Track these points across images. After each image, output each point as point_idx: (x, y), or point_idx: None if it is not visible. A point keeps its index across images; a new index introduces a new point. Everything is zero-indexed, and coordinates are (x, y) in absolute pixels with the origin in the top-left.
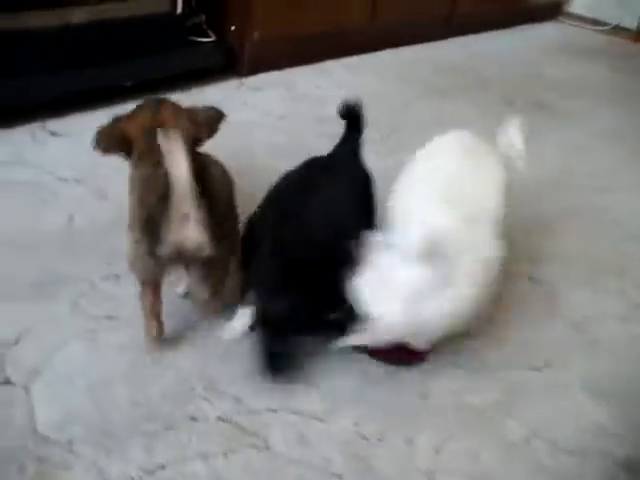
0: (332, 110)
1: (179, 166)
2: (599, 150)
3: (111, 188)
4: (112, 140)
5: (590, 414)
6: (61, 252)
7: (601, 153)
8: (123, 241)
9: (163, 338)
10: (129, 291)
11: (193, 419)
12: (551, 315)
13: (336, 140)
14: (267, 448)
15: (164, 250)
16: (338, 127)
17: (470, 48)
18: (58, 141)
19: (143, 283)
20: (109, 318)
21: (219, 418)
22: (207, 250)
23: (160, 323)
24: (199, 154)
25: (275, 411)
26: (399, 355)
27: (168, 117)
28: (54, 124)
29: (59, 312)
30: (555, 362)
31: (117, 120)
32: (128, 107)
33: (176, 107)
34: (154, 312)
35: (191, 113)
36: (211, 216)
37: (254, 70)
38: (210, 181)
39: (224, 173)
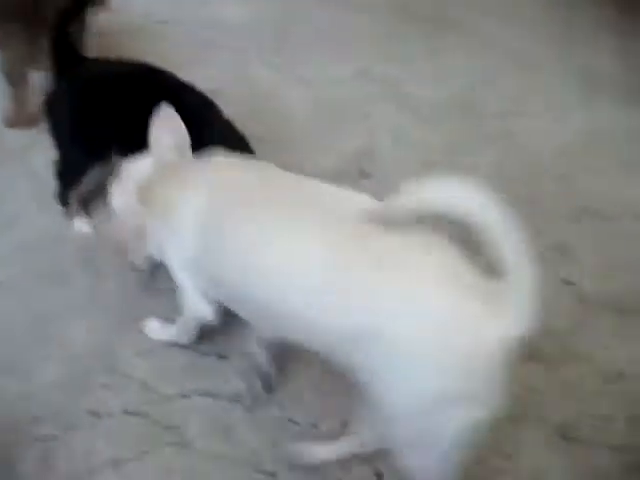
0: (218, 13)
1: None
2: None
3: None
4: None
5: None
6: None
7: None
8: None
9: None
10: None
11: (95, 414)
12: None
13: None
14: (186, 445)
15: None
16: (226, 35)
17: None
18: None
19: None
20: None
21: (125, 411)
22: None
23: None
24: None
25: (189, 396)
26: None
27: None
28: None
29: None
30: None
31: None
32: None
33: None
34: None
35: None
36: None
37: None
38: None
39: None
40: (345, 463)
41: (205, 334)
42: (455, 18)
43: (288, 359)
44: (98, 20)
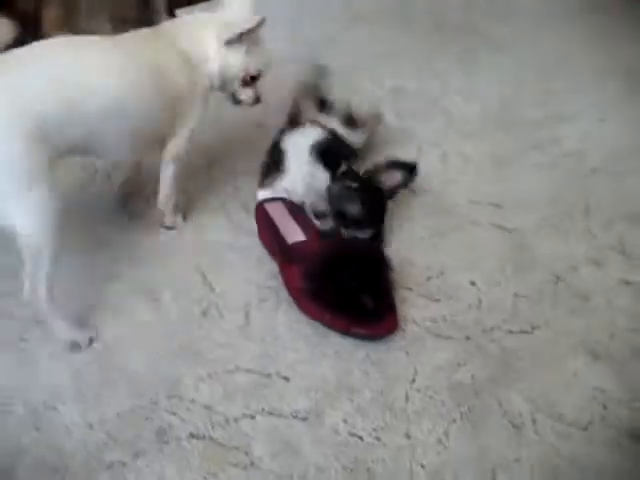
0: None
1: None
2: (538, 80)
3: None
4: None
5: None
6: None
7: (541, 83)
8: None
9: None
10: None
11: (162, 440)
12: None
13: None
14: (252, 464)
15: None
16: None
17: None
18: None
19: None
20: (40, 322)
21: (191, 435)
22: None
23: None
24: None
25: (252, 417)
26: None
27: None
28: None
29: None
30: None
31: None
32: None
33: None
34: None
35: None
36: None
37: None
38: None
39: None
40: None
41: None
42: (486, 31)
43: None
44: None
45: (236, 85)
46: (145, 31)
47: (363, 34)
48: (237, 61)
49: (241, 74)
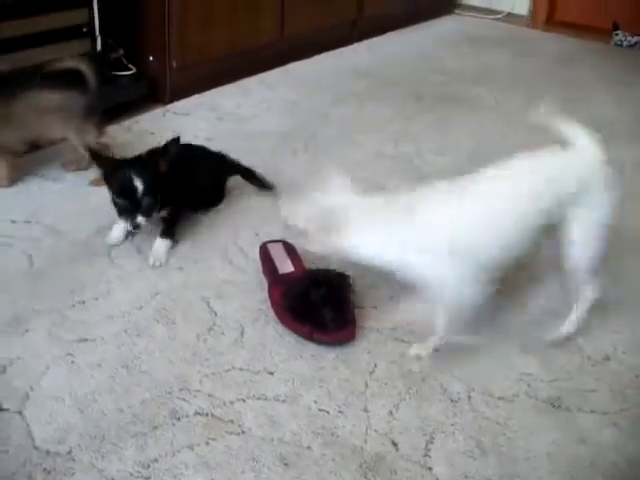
0: (255, 126)
1: None
2: (503, 133)
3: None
4: None
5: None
6: (27, 289)
7: (505, 136)
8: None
9: None
10: (95, 315)
11: (174, 417)
12: None
13: (263, 154)
14: (243, 432)
15: None
16: (263, 142)
17: (377, 50)
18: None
19: None
20: (83, 340)
21: (197, 413)
22: None
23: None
24: None
25: (244, 400)
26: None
27: None
28: None
29: (37, 341)
30: None
31: None
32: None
33: None
34: None
35: None
36: None
37: (177, 96)
38: None
39: None
40: None
41: (253, 357)
42: (461, 94)
43: None
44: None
45: None
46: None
47: (349, 109)
48: None
49: None
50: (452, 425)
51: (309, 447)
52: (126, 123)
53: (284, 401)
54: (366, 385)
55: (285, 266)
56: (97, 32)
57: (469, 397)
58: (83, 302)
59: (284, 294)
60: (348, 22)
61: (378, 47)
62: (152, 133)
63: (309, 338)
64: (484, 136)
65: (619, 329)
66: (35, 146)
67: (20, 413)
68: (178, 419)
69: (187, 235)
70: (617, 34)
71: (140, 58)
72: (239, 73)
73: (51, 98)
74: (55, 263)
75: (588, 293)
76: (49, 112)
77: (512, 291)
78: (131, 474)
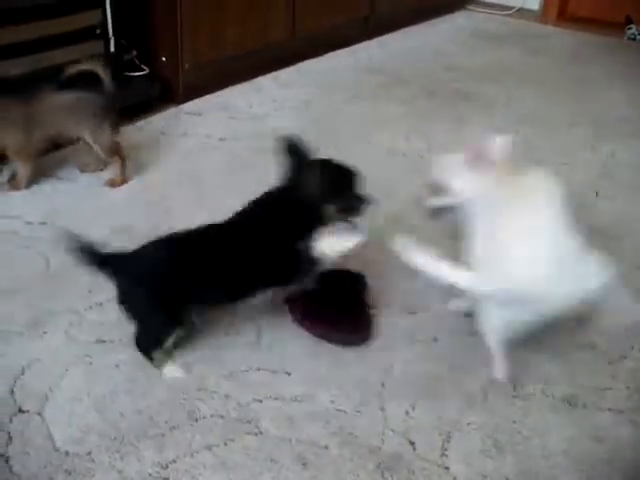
0: (268, 125)
1: None
2: (512, 129)
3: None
4: None
5: None
6: (44, 291)
7: (515, 132)
8: None
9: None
10: (113, 317)
11: (192, 418)
12: None
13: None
14: (261, 432)
15: None
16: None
17: (389, 47)
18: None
19: None
20: (101, 342)
21: (215, 414)
22: None
23: None
24: None
25: (261, 401)
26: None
27: None
28: None
29: (55, 343)
30: None
31: None
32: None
33: None
34: None
35: None
36: None
37: (189, 96)
38: None
39: None
40: None
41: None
42: (473, 93)
43: None
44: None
45: None
46: None
47: (362, 106)
48: None
49: None
50: (468, 424)
51: (327, 447)
52: (139, 123)
53: (301, 401)
54: (382, 385)
55: None
56: (110, 34)
57: (485, 395)
58: (100, 304)
59: (301, 295)
60: (360, 19)
61: (390, 44)
62: (164, 133)
63: (326, 338)
64: (496, 133)
65: (634, 327)
66: (53, 147)
67: (40, 414)
68: (196, 420)
69: None
70: (630, 28)
71: (153, 59)
72: (251, 72)
73: (68, 99)
74: (71, 264)
75: None
76: (67, 112)
77: None
78: (150, 474)
